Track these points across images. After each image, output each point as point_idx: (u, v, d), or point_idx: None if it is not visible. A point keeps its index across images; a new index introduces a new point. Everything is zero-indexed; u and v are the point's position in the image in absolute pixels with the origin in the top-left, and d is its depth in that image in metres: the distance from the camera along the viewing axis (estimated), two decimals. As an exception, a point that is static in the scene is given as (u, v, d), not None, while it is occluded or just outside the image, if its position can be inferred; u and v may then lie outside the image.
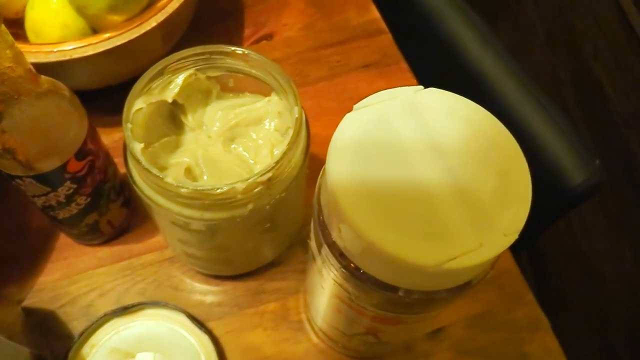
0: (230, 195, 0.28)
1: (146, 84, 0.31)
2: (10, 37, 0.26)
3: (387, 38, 0.53)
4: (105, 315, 0.36)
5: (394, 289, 0.21)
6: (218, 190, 0.27)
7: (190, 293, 0.39)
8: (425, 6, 0.63)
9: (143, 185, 0.29)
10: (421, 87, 0.23)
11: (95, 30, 0.40)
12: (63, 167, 0.30)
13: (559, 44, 1.40)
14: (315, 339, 0.37)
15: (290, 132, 0.30)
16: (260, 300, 0.38)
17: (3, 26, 0.25)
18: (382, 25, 0.54)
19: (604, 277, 1.08)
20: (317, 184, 0.24)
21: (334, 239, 0.22)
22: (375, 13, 0.55)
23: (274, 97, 0.34)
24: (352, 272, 0.22)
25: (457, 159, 0.21)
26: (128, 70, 0.42)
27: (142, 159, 0.28)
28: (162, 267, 0.39)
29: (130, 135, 0.29)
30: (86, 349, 0.36)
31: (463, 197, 0.20)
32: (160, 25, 0.39)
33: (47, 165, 0.30)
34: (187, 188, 0.27)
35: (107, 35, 0.38)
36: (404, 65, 0.51)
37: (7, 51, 0.25)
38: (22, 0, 0.41)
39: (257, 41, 0.53)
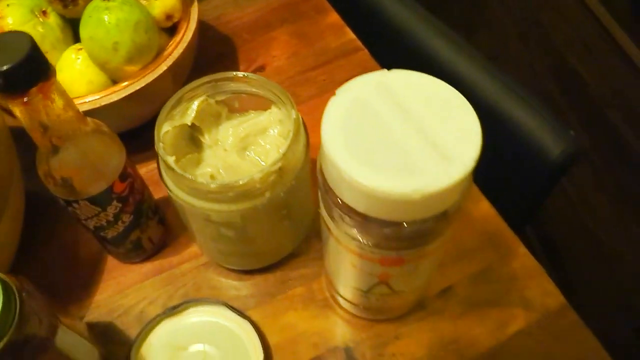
0: (250, 186, 0.34)
1: (169, 111, 0.37)
2: (62, 87, 0.32)
3: (365, 54, 0.61)
4: (156, 317, 0.42)
5: (390, 223, 0.27)
6: (240, 182, 0.33)
7: (227, 289, 0.44)
8: (397, 23, 0.70)
9: (178, 191, 0.36)
10: (386, 70, 0.30)
11: (115, 81, 0.48)
12: (110, 188, 0.37)
13: (532, 40, 1.49)
14: (340, 312, 0.42)
15: (291, 133, 0.36)
16: (288, 287, 0.44)
17: (57, 80, 0.32)
18: (358, 43, 0.62)
19: (616, 255, 1.12)
20: (318, 159, 0.30)
21: (338, 197, 0.28)
22: (350, 35, 0.62)
23: (274, 109, 0.41)
24: (357, 219, 0.28)
25: (422, 117, 0.27)
26: (148, 112, 0.49)
27: (175, 167, 0.34)
28: (199, 272, 0.45)
29: (164, 152, 0.35)
30: (144, 347, 0.41)
31: (429, 143, 0.26)
32: (169, 69, 0.46)
33: (97, 187, 0.36)
34: (215, 184, 0.33)
35: (126, 83, 0.45)
36: (382, 73, 0.58)
37: (61, 98, 0.32)
38: (51, 67, 0.49)
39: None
